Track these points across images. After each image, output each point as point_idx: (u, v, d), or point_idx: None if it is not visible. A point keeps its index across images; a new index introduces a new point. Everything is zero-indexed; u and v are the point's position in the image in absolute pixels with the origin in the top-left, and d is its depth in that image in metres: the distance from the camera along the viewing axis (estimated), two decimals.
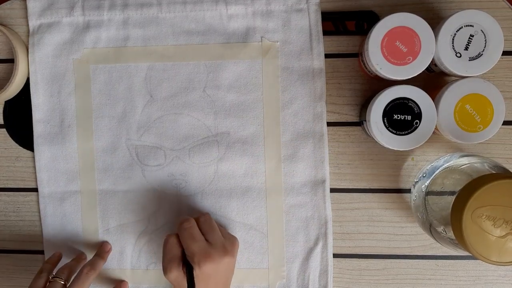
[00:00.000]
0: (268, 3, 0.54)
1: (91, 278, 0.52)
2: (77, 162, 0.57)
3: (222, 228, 0.53)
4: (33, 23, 0.56)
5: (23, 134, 0.58)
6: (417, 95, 0.46)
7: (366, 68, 0.50)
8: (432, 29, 0.46)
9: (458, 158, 0.48)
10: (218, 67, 0.55)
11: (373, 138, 0.49)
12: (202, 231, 0.50)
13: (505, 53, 0.51)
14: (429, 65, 0.46)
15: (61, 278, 0.51)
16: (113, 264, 0.57)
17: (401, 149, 0.47)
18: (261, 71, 0.55)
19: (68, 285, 0.51)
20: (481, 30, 0.46)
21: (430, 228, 0.48)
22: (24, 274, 0.59)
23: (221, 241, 0.49)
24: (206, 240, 0.49)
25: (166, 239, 0.50)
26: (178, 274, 0.47)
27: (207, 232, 0.49)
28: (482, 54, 0.46)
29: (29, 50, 0.56)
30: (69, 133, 0.57)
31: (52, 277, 0.51)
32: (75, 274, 0.52)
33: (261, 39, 0.54)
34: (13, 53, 0.55)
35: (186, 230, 0.49)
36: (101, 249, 0.56)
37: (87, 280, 0.51)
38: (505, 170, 0.45)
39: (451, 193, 0.45)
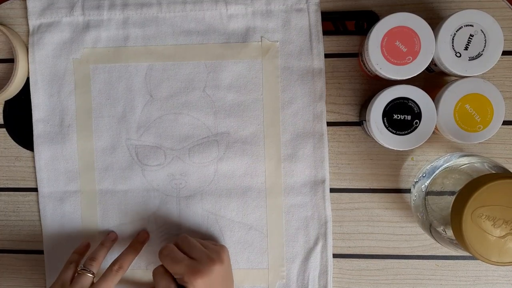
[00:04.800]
0: (268, 3, 0.54)
1: (119, 276, 0.51)
2: (77, 162, 0.57)
3: (206, 242, 0.52)
4: (33, 22, 0.56)
5: (23, 134, 0.58)
6: (417, 95, 0.46)
7: (366, 68, 0.50)
8: (432, 29, 0.46)
9: (458, 158, 0.48)
10: (218, 67, 0.55)
11: (373, 138, 0.49)
12: (184, 252, 0.49)
13: (505, 53, 0.51)
14: (429, 65, 0.46)
15: (90, 271, 0.50)
16: None
17: (401, 149, 0.47)
18: (261, 71, 0.55)
19: (95, 281, 0.50)
20: (481, 30, 0.46)
21: (430, 228, 0.48)
22: (24, 274, 0.59)
23: (205, 253, 0.48)
24: (190, 257, 0.48)
25: (154, 272, 0.49)
26: None
27: (188, 251, 0.49)
28: (482, 54, 0.46)
29: (29, 50, 0.56)
30: (69, 133, 0.57)
31: (81, 269, 0.50)
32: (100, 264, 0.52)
33: (261, 39, 0.54)
34: (13, 53, 0.55)
35: (167, 257, 0.48)
36: (136, 239, 0.55)
37: (115, 279, 0.50)
38: (505, 170, 0.45)
39: (451, 193, 0.45)
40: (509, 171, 0.45)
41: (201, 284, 0.45)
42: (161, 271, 0.49)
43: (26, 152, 0.58)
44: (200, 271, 0.46)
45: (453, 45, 0.46)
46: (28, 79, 0.57)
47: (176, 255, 0.48)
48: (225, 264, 0.49)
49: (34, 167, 0.58)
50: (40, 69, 0.56)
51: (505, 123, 0.52)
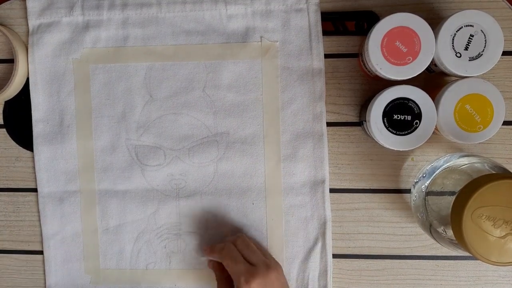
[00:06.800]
0: (268, 3, 0.54)
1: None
2: (77, 162, 0.57)
3: (264, 250, 0.54)
4: (32, 23, 0.56)
5: (23, 134, 0.58)
6: (417, 95, 0.46)
7: (366, 68, 0.50)
8: (432, 29, 0.46)
9: (458, 158, 0.48)
10: (217, 67, 0.55)
11: (373, 138, 0.49)
12: (242, 254, 0.50)
13: (505, 53, 0.51)
14: (429, 65, 0.46)
15: None
16: (112, 264, 0.57)
17: (401, 149, 0.47)
18: (260, 71, 0.55)
19: None
20: (481, 30, 0.46)
21: (430, 229, 0.48)
22: (24, 274, 0.59)
23: (263, 259, 0.49)
24: (248, 261, 0.49)
25: (214, 267, 0.53)
26: None
27: (247, 255, 0.50)
28: (482, 54, 0.46)
29: (28, 50, 0.56)
30: (69, 133, 0.57)
31: None
32: None
33: (261, 39, 0.54)
34: (13, 53, 0.55)
35: (227, 256, 0.50)
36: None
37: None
38: (505, 170, 0.45)
39: (451, 193, 0.45)
40: (509, 172, 0.45)
41: (256, 286, 0.47)
42: (221, 267, 0.51)
43: (26, 152, 0.58)
44: (258, 274, 0.47)
45: (453, 45, 0.46)
46: (28, 79, 0.57)
47: (236, 256, 0.49)
48: (281, 275, 0.50)
49: (34, 167, 0.58)
50: (40, 69, 0.56)
51: (505, 123, 0.52)
